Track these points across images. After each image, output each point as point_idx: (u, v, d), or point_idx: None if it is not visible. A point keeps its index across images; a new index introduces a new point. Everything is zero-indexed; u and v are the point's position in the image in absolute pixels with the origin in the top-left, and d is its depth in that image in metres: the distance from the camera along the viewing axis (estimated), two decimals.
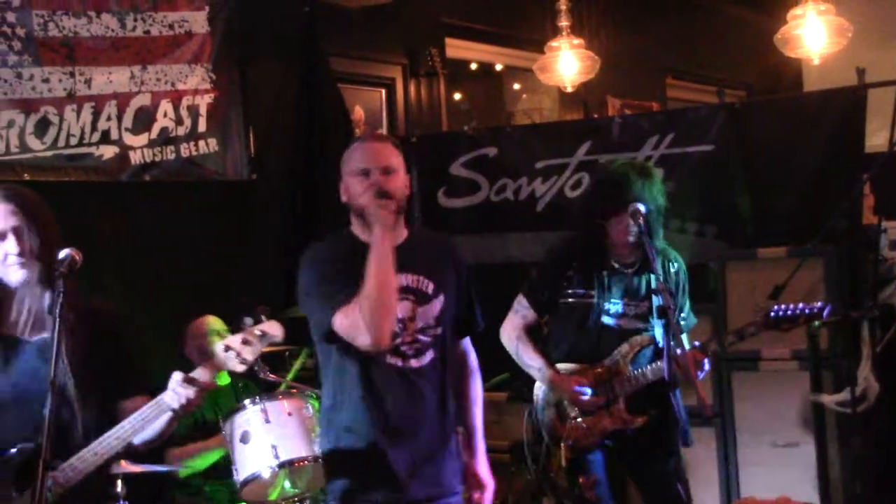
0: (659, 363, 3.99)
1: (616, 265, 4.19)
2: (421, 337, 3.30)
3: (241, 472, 4.46)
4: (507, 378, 5.42)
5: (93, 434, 2.92)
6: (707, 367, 4.11)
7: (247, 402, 4.57)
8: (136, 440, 3.04)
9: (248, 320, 2.98)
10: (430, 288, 3.33)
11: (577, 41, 7.46)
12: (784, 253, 5.26)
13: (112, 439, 2.90)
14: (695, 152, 5.83)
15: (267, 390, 4.94)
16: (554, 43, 7.47)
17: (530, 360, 4.26)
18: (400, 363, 3.27)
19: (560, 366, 4.22)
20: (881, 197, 5.83)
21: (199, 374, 2.91)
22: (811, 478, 5.05)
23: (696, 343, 4.18)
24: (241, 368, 2.94)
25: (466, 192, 6.38)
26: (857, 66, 5.60)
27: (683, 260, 4.36)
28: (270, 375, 5.03)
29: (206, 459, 4.92)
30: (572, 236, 4.42)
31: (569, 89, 7.75)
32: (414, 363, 3.29)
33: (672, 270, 4.24)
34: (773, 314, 4.14)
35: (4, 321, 3.00)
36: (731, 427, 5.33)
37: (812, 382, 5.07)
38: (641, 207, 3.98)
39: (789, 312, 4.13)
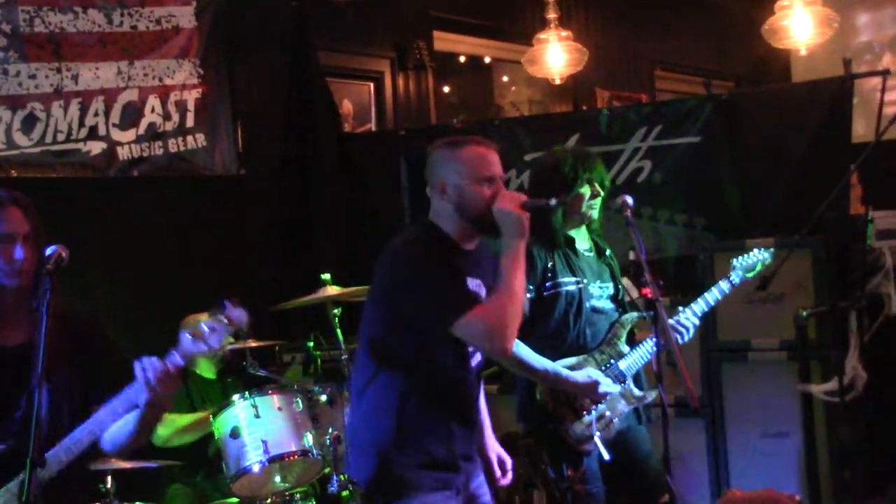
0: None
1: (581, 249, 4.22)
2: None
3: (232, 467, 4.47)
4: (496, 371, 5.43)
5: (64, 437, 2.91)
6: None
7: (236, 397, 4.58)
8: (108, 446, 3.01)
9: (214, 308, 2.99)
10: (485, 294, 3.34)
11: (565, 33, 7.46)
12: (772, 244, 5.24)
13: (84, 434, 2.88)
14: (683, 144, 5.83)
15: (255, 386, 4.94)
16: (542, 35, 7.47)
17: (539, 366, 3.94)
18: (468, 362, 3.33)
19: (562, 361, 4.04)
20: (869, 187, 5.85)
21: (167, 363, 2.86)
22: (799, 467, 5.08)
23: (681, 308, 4.27)
24: (207, 355, 2.95)
25: None
26: (844, 57, 5.61)
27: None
28: (260, 371, 5.04)
29: (188, 433, 4.88)
30: (537, 225, 4.27)
31: (557, 81, 7.75)
32: (473, 362, 3.35)
33: (608, 253, 4.33)
34: (737, 264, 4.42)
35: None
36: (720, 417, 5.34)
37: (800, 372, 5.09)
38: (629, 199, 3.98)
39: (749, 260, 4.44)
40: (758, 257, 4.49)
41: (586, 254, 4.25)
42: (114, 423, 2.90)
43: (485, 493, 3.47)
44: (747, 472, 5.23)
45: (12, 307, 2.97)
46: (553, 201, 3.26)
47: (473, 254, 3.32)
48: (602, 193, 4.17)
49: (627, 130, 5.94)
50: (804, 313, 4.88)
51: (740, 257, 4.46)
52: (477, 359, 3.36)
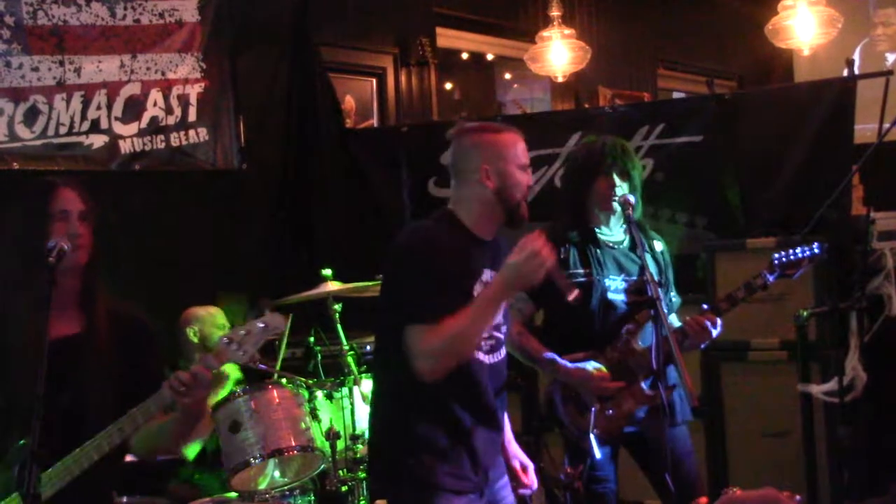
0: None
1: (607, 242, 4.09)
2: (496, 334, 3.29)
3: (230, 461, 4.46)
4: None
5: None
6: (720, 326, 4.01)
7: (237, 391, 4.58)
8: (140, 450, 3.09)
9: (252, 312, 3.02)
10: None
11: (568, 31, 7.47)
12: (773, 243, 5.26)
13: (115, 430, 2.89)
14: (685, 143, 5.83)
15: (257, 380, 4.95)
16: (545, 33, 7.48)
17: (539, 355, 4.01)
18: (483, 359, 3.24)
19: (572, 355, 4.00)
20: (870, 188, 5.85)
21: (201, 366, 2.89)
22: (799, 467, 5.07)
23: (705, 305, 4.09)
24: (243, 360, 2.94)
25: None
26: (847, 58, 5.61)
27: (673, 249, 4.34)
28: (262, 365, 5.04)
29: (199, 444, 4.95)
30: (556, 217, 4.20)
31: (560, 79, 7.76)
32: (490, 359, 3.26)
33: (658, 250, 4.19)
34: (776, 261, 4.03)
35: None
36: (720, 417, 5.34)
37: (800, 372, 5.08)
38: (631, 198, 3.97)
39: (791, 257, 4.03)
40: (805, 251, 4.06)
41: (614, 246, 4.09)
42: (145, 423, 2.92)
43: (508, 496, 3.40)
44: (746, 471, 5.23)
45: (70, 292, 2.98)
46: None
47: (491, 244, 3.29)
48: (619, 183, 4.01)
49: (629, 129, 5.93)
50: (804, 313, 4.87)
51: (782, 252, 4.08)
52: (496, 357, 3.28)
